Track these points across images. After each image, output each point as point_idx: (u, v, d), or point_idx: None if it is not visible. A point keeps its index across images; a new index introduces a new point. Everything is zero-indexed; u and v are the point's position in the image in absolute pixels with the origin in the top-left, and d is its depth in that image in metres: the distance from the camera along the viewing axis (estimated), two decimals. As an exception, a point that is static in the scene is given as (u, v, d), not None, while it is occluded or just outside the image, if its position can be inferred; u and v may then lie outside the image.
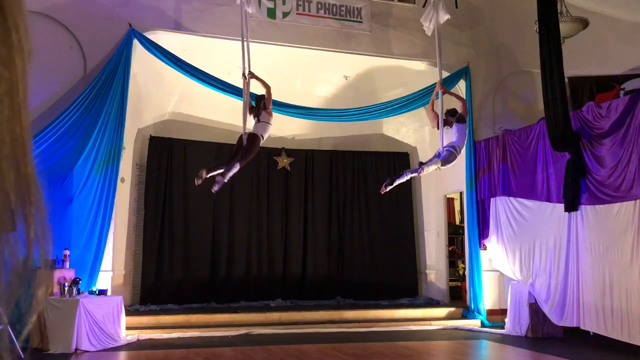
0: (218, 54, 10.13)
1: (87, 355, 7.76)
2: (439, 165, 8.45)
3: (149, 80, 10.71)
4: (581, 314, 8.51)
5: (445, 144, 8.56)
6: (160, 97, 11.26)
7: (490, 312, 10.56)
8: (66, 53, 9.29)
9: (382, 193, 8.63)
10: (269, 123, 8.37)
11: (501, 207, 10.36)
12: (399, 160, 12.99)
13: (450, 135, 8.67)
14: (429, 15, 8.83)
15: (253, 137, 8.21)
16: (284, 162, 12.35)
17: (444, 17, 8.72)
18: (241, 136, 8.29)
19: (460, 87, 11.32)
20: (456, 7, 10.88)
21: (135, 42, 9.59)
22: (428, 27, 8.91)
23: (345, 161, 12.79)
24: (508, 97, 11.45)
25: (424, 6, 10.65)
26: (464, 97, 9.00)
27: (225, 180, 7.97)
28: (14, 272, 0.64)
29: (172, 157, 11.45)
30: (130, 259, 10.87)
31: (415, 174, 8.67)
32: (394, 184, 8.40)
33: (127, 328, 8.72)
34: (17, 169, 0.64)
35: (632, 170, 7.70)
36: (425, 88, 10.73)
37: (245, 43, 8.32)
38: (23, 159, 0.64)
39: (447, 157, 8.41)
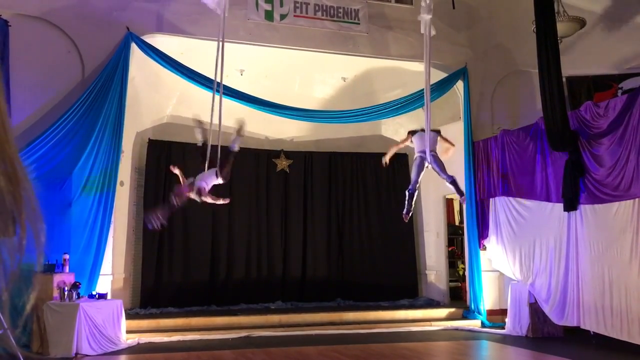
0: (216, 57, 10.12)
1: (87, 359, 7.76)
2: (442, 171, 8.58)
3: (147, 84, 10.71)
4: (581, 314, 8.51)
5: (422, 148, 8.70)
6: (159, 100, 11.26)
7: (491, 312, 10.55)
8: (64, 57, 9.29)
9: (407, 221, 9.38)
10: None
11: (500, 207, 10.37)
12: (398, 161, 12.98)
13: (424, 141, 8.70)
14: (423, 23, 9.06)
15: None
16: (282, 164, 12.35)
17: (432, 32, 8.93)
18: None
19: (459, 87, 11.34)
20: (453, 7, 10.89)
21: (133, 46, 9.59)
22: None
23: (344, 163, 12.80)
24: (506, 97, 11.46)
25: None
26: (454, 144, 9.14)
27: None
28: (13, 275, 0.65)
29: (171, 160, 11.41)
30: (130, 262, 10.85)
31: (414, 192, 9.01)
32: (412, 208, 9.01)
33: (128, 332, 8.71)
34: (2, 154, 0.64)
35: (631, 169, 7.71)
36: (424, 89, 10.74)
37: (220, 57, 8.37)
38: (5, 142, 0.65)
39: (436, 161, 8.55)
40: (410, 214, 9.04)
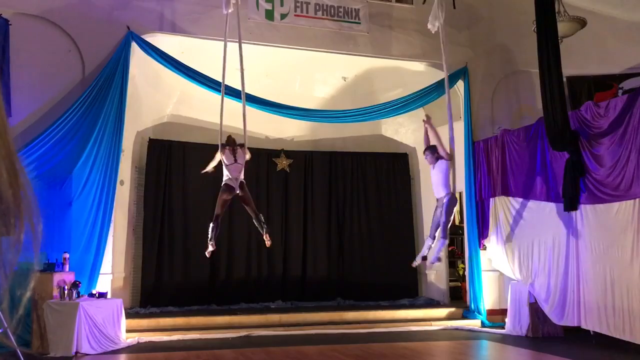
0: (216, 56, 10.12)
1: (87, 358, 7.75)
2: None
3: (148, 83, 10.71)
4: (582, 313, 8.51)
5: (435, 185, 8.93)
6: (159, 99, 11.26)
7: (491, 312, 10.55)
8: (64, 56, 9.29)
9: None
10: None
11: (500, 207, 10.37)
12: (398, 161, 13.00)
13: (436, 174, 8.91)
14: (435, 16, 9.13)
15: (243, 185, 8.36)
16: (283, 163, 12.34)
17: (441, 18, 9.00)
18: (227, 189, 8.28)
19: (459, 87, 11.33)
20: (454, 7, 10.89)
21: (134, 45, 9.59)
22: (433, 25, 9.19)
23: (345, 162, 12.79)
24: (507, 97, 11.45)
25: (424, 2, 10.74)
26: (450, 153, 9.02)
27: (267, 234, 8.76)
28: (12, 275, 0.65)
29: (171, 160, 11.45)
30: (130, 261, 10.86)
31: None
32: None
33: (127, 331, 8.72)
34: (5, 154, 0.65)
35: (631, 169, 7.71)
36: (425, 88, 10.76)
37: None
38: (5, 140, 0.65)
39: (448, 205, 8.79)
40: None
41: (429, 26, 9.29)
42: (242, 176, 8.38)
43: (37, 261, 0.69)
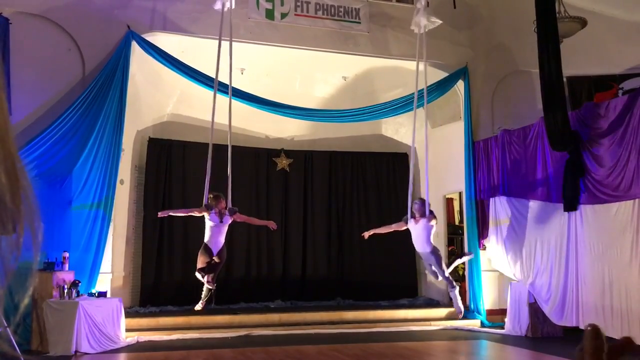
0: (216, 55, 10.13)
1: (86, 358, 7.75)
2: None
3: (148, 82, 10.71)
4: (581, 314, 8.52)
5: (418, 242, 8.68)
6: (159, 98, 11.26)
7: (490, 312, 10.56)
8: (65, 55, 9.29)
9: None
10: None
11: (500, 207, 10.37)
12: (398, 160, 12.99)
13: (420, 231, 8.64)
14: (418, 20, 9.15)
15: (222, 250, 7.92)
16: (283, 163, 12.35)
17: (435, 22, 9.01)
18: (206, 252, 7.80)
19: (459, 87, 11.33)
20: (454, 7, 10.89)
21: (134, 44, 9.59)
22: (418, 26, 9.19)
23: (345, 162, 12.80)
24: (507, 97, 11.45)
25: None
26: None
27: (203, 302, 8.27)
28: (11, 274, 0.65)
29: (171, 159, 11.45)
30: (130, 260, 10.85)
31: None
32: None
33: (127, 330, 8.71)
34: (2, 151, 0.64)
35: (631, 170, 7.71)
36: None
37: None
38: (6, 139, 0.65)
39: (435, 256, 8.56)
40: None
41: (413, 27, 9.35)
42: (223, 239, 7.83)
43: (36, 262, 0.68)
